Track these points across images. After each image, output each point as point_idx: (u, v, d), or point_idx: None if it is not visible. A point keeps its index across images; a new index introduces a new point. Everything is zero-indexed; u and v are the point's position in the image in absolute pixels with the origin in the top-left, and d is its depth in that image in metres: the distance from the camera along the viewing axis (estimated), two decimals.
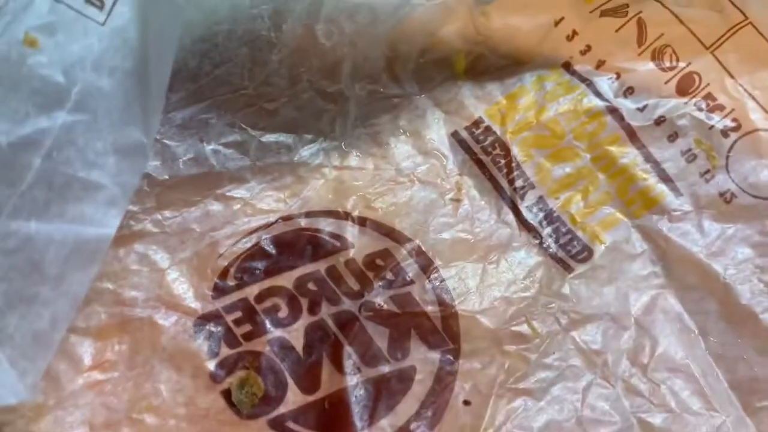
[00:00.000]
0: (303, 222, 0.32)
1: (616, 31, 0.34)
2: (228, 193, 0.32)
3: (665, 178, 0.33)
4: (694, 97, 0.33)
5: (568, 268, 0.32)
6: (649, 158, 0.33)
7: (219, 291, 0.31)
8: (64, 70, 0.25)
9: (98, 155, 0.26)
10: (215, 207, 0.32)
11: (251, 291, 0.31)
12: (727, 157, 0.33)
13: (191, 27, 0.29)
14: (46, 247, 0.25)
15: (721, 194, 0.33)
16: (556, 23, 0.34)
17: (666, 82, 0.34)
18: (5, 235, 0.24)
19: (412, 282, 0.32)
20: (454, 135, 0.35)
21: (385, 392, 0.30)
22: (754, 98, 0.33)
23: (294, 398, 0.29)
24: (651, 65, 0.34)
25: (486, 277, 0.32)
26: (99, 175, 0.26)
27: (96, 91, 0.25)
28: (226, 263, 0.31)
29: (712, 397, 0.31)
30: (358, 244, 0.32)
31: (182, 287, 0.31)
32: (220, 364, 0.30)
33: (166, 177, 0.31)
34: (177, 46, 0.27)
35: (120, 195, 0.26)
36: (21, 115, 0.24)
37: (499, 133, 0.34)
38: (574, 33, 0.34)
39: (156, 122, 0.26)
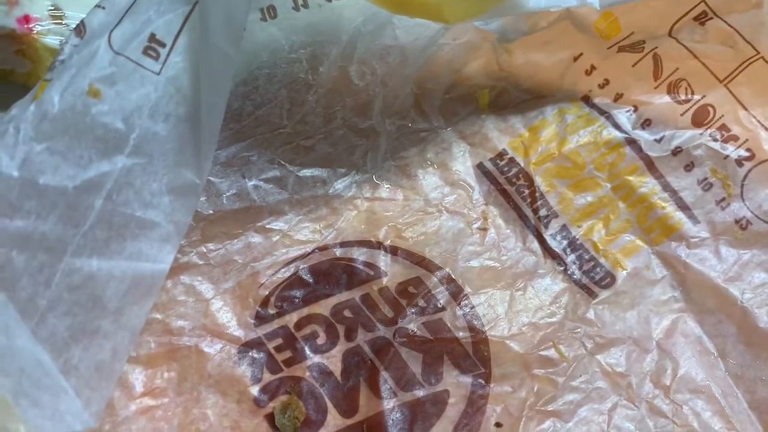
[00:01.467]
0: (338, 252, 0.34)
1: (633, 65, 0.35)
2: (268, 226, 0.34)
3: (683, 206, 0.35)
4: (709, 128, 0.35)
5: (592, 294, 0.34)
6: (666, 187, 0.35)
7: (260, 319, 0.32)
8: (124, 118, 0.26)
9: (154, 195, 0.27)
10: (256, 239, 0.33)
11: (291, 319, 0.33)
12: (742, 186, 0.34)
13: (234, 71, 0.31)
14: (106, 283, 0.27)
15: (737, 221, 0.34)
16: (575, 59, 0.36)
17: (682, 114, 0.35)
18: (70, 272, 0.26)
19: (443, 309, 0.33)
20: (480, 166, 0.36)
21: (420, 415, 0.31)
22: (766, 129, 0.34)
23: (334, 422, 0.31)
24: (667, 98, 0.35)
25: (514, 303, 0.34)
26: (154, 214, 0.27)
27: (152, 137, 0.27)
28: (266, 292, 0.33)
29: (733, 417, 0.32)
30: (390, 272, 0.34)
31: (226, 316, 0.32)
32: (263, 390, 0.31)
33: (211, 212, 0.33)
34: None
35: (174, 232, 0.28)
36: (85, 160, 0.26)
37: (522, 164, 0.36)
38: (593, 68, 0.36)
39: (208, 165, 0.28)
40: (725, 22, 0.33)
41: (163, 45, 0.27)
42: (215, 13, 0.26)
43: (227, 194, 0.33)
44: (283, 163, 0.34)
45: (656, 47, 0.35)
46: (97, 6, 0.27)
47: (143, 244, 0.27)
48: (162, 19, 0.27)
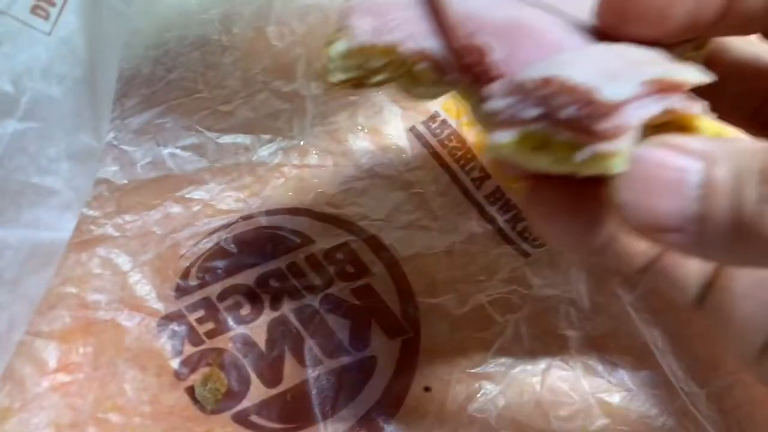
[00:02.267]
0: (263, 220, 0.33)
1: None
2: (187, 195, 0.33)
3: None
4: None
5: (525, 254, 0.33)
6: None
7: (181, 291, 0.31)
8: (12, 80, 0.25)
9: (51, 161, 0.26)
10: (175, 209, 0.32)
11: (213, 290, 0.32)
12: None
13: (142, 34, 0.30)
14: (1, 252, 0.26)
15: None
16: None
17: None
18: None
19: (372, 274, 0.32)
20: (412, 129, 0.35)
21: (346, 383, 0.30)
22: None
23: (257, 392, 0.30)
24: None
25: (446, 266, 0.33)
26: (52, 181, 0.26)
27: (46, 99, 0.26)
28: (187, 264, 0.32)
29: (670, 374, 0.31)
30: (318, 239, 0.33)
31: (145, 289, 0.31)
32: (184, 362, 0.30)
33: (125, 182, 0.32)
34: (128, 55, 0.28)
35: (74, 199, 0.27)
36: None
37: (454, 125, 0.35)
38: None
39: (106, 127, 0.27)
40: None
41: (52, 4, 0.26)
42: None
43: (141, 163, 0.32)
44: (200, 129, 0.33)
45: None
46: None
47: (41, 212, 0.26)
48: None
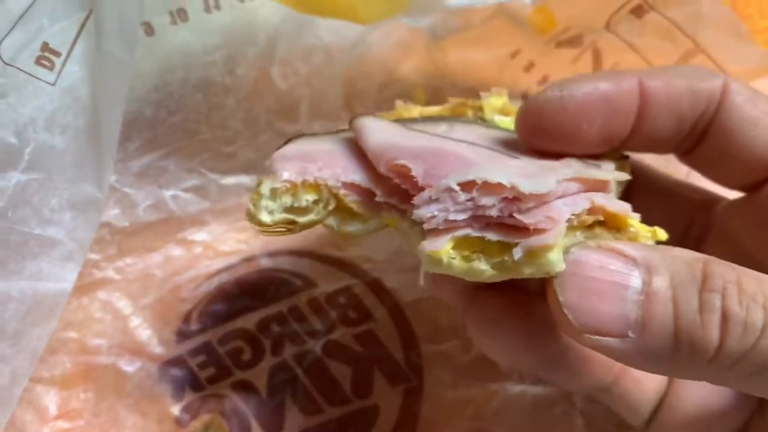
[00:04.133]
0: (265, 262, 0.33)
1: (573, 61, 0.34)
2: (189, 237, 0.32)
3: None
4: None
5: None
6: None
7: (183, 335, 0.31)
8: (17, 132, 0.25)
9: (53, 212, 0.26)
10: (176, 251, 0.32)
11: (215, 334, 0.31)
12: None
13: (145, 77, 0.30)
14: (4, 305, 0.25)
15: None
16: (513, 56, 0.35)
17: None
18: None
19: (375, 319, 0.32)
20: None
21: (349, 431, 0.30)
22: None
23: None
24: None
25: (448, 312, 0.32)
26: (55, 231, 0.26)
27: (49, 150, 0.26)
28: (189, 307, 0.32)
29: None
30: (321, 282, 0.33)
31: (146, 333, 0.31)
32: (185, 408, 0.30)
33: (127, 224, 0.31)
34: (130, 98, 0.28)
35: (76, 249, 0.27)
36: None
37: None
38: (531, 64, 0.35)
39: (109, 176, 0.26)
40: (663, 15, 0.32)
41: (57, 54, 0.25)
42: (108, 20, 0.25)
43: (143, 205, 0.32)
44: (203, 171, 0.32)
45: (595, 41, 0.34)
46: None
47: (44, 263, 0.26)
48: (56, 27, 0.25)
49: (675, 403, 0.25)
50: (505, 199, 0.19)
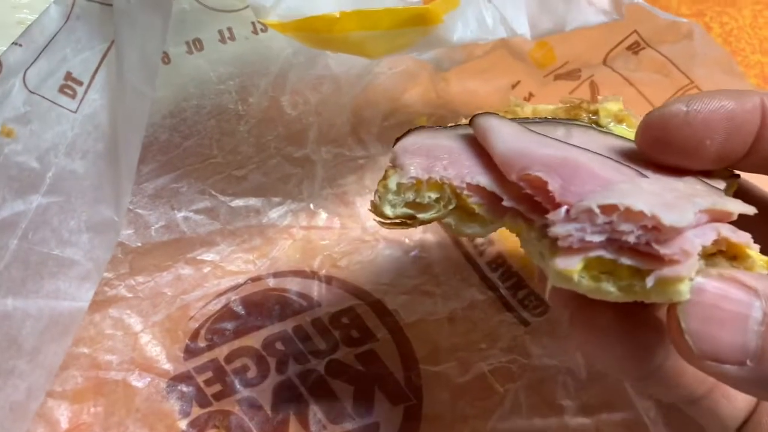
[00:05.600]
0: (271, 282, 0.34)
1: (570, 93, 0.35)
2: (199, 257, 0.33)
3: None
4: None
5: (525, 323, 0.34)
6: None
7: (190, 352, 0.32)
8: (39, 157, 0.26)
9: (72, 233, 0.27)
10: (186, 271, 0.33)
11: (221, 352, 0.32)
12: None
13: (160, 103, 0.31)
14: (22, 322, 0.26)
15: None
16: (513, 86, 0.36)
17: None
18: None
19: (376, 340, 0.33)
20: None
21: None
22: None
23: None
24: None
25: (448, 333, 0.34)
26: (73, 252, 0.27)
27: (69, 174, 0.27)
28: (197, 325, 0.33)
29: None
30: (324, 302, 0.34)
31: (155, 350, 0.32)
32: (192, 424, 0.31)
33: (139, 244, 0.33)
34: (148, 122, 0.29)
35: (93, 269, 0.28)
36: None
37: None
38: (531, 95, 0.36)
39: (126, 201, 0.27)
40: (658, 51, 0.34)
41: (79, 83, 0.27)
42: (130, 52, 0.26)
43: (156, 226, 0.33)
44: (214, 193, 0.34)
45: (592, 75, 0.35)
46: (15, 43, 0.27)
47: (61, 283, 0.27)
48: (79, 57, 0.27)
49: (766, 420, 0.25)
50: (643, 227, 0.19)
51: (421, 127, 0.24)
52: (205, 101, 0.32)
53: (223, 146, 0.33)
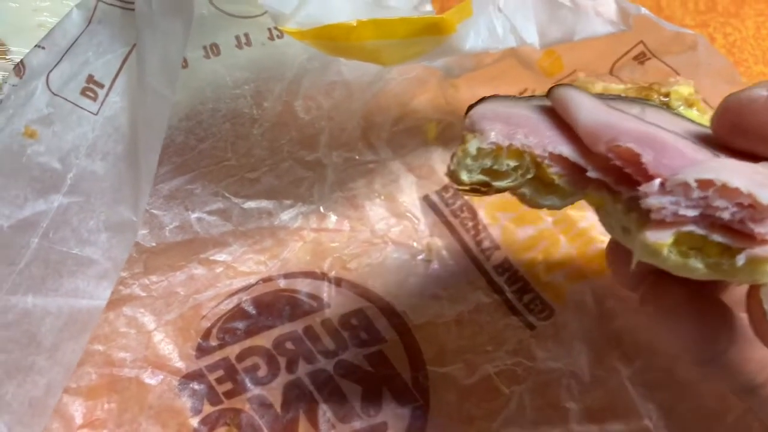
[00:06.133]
0: (282, 283, 0.35)
1: None
2: (211, 258, 0.34)
3: None
4: None
5: (531, 327, 0.35)
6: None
7: (202, 351, 0.33)
8: (60, 158, 0.27)
9: (91, 233, 0.28)
10: (199, 271, 0.34)
11: (232, 350, 0.33)
12: None
13: (177, 106, 0.32)
14: (42, 320, 0.27)
15: None
16: (521, 94, 0.37)
17: None
18: (4, 309, 0.26)
19: (384, 341, 0.34)
20: (425, 198, 0.37)
21: None
22: None
23: None
24: None
25: (455, 335, 0.34)
26: (91, 251, 0.28)
27: (89, 175, 0.27)
28: (208, 324, 0.33)
29: None
30: (334, 304, 0.34)
31: (168, 348, 0.33)
32: (203, 421, 0.32)
33: (154, 244, 0.33)
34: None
35: (111, 268, 0.28)
36: (21, 200, 0.26)
37: (467, 197, 0.37)
38: None
39: (144, 202, 0.28)
40: (663, 62, 0.34)
41: (101, 86, 0.27)
42: (151, 56, 0.27)
43: (170, 227, 0.33)
44: (227, 195, 0.34)
45: (600, 83, 0.36)
46: (38, 46, 0.27)
47: (80, 281, 0.28)
48: (100, 60, 0.27)
49: None
50: (738, 204, 0.19)
51: (495, 96, 0.24)
52: (221, 105, 0.32)
53: (237, 149, 0.34)
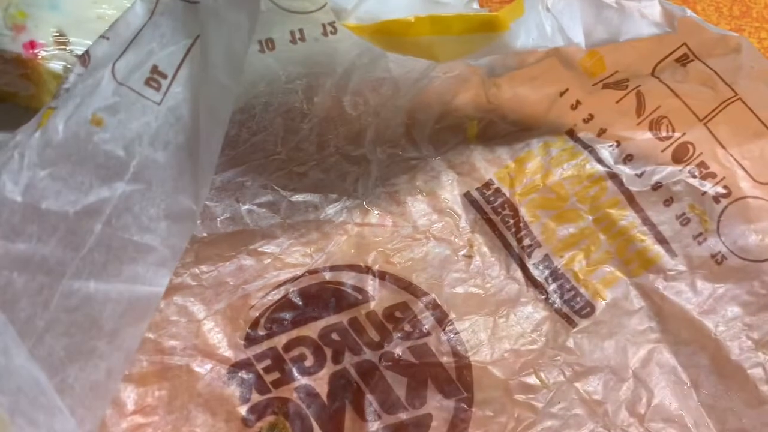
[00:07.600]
0: (327, 275, 0.35)
1: (617, 102, 0.37)
2: (260, 249, 0.35)
3: (661, 240, 0.36)
4: (688, 165, 0.36)
5: (572, 323, 0.35)
6: (646, 221, 0.36)
7: (250, 340, 0.33)
8: (125, 146, 0.27)
9: (151, 221, 0.28)
10: (248, 262, 0.34)
11: (280, 340, 0.33)
12: (719, 222, 0.36)
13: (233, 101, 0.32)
14: (103, 305, 0.28)
15: (713, 256, 0.35)
16: (561, 94, 0.37)
17: (662, 151, 0.36)
18: (68, 294, 0.27)
19: (428, 334, 0.34)
20: (467, 195, 0.37)
21: None
22: (743, 167, 0.36)
23: None
24: (649, 135, 0.36)
25: (496, 330, 0.35)
26: (151, 239, 0.28)
27: (152, 164, 0.28)
28: (257, 314, 0.34)
29: None
30: (378, 296, 0.35)
31: (217, 337, 0.33)
32: (251, 410, 0.32)
33: (205, 235, 0.34)
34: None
35: (169, 256, 0.29)
36: (86, 186, 0.27)
37: (508, 194, 0.37)
38: (578, 103, 0.37)
39: (205, 192, 0.29)
40: (705, 64, 0.35)
41: (164, 76, 0.28)
42: (216, 48, 0.27)
43: (221, 218, 0.34)
44: (276, 188, 0.35)
45: (639, 85, 0.36)
46: (102, 36, 0.28)
47: (140, 268, 0.28)
48: (164, 51, 0.28)
49: None
50: None
51: None
52: (273, 99, 0.33)
53: (287, 143, 0.34)
